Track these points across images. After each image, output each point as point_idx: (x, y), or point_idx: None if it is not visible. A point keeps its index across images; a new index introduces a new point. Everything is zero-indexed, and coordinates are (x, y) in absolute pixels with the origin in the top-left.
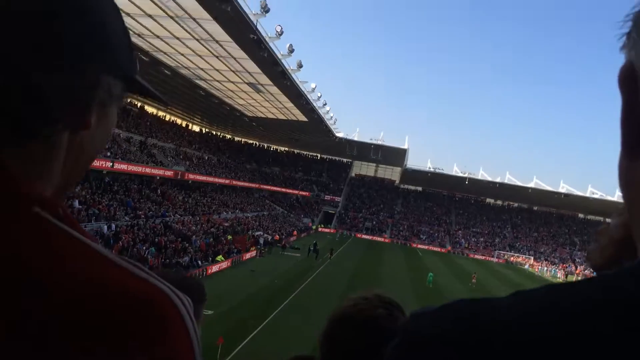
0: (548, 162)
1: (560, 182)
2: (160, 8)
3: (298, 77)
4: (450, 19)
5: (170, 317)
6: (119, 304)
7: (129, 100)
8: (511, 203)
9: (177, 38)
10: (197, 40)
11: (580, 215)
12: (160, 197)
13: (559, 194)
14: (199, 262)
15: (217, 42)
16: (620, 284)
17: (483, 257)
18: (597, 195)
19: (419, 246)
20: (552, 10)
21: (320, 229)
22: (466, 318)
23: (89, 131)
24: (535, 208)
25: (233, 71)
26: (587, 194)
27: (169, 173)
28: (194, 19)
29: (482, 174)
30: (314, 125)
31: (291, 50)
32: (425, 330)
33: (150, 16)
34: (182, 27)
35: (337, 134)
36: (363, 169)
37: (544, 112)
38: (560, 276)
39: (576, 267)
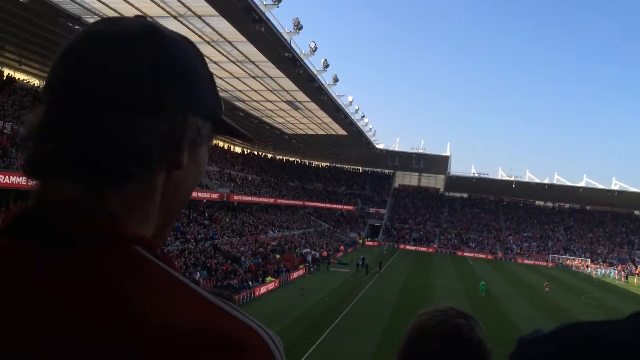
0: (598, 160)
1: (612, 180)
2: (197, 34)
3: (334, 91)
4: (487, 27)
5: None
6: (217, 348)
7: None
8: (562, 204)
9: (215, 62)
10: (234, 62)
11: (637, 212)
12: (207, 219)
13: (612, 191)
14: (249, 282)
15: (253, 62)
16: None
17: (534, 262)
18: None
19: (468, 254)
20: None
21: (366, 243)
22: (583, 346)
23: (182, 171)
24: (588, 208)
25: (270, 90)
26: None
27: (214, 195)
28: (230, 42)
29: (530, 176)
30: (354, 138)
31: (326, 66)
32: None
33: None
34: (219, 50)
35: (377, 146)
36: (406, 179)
37: (588, 110)
38: (617, 277)
39: (636, 267)
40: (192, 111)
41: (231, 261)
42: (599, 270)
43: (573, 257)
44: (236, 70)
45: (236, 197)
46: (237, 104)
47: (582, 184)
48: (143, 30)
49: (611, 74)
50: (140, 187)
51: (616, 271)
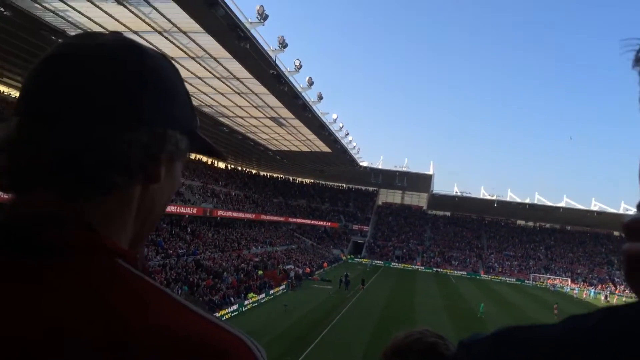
0: (577, 180)
1: (592, 200)
2: (182, 50)
3: (319, 108)
4: (471, 47)
5: None
6: (202, 354)
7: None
8: (543, 224)
9: (199, 78)
10: (219, 78)
11: (616, 233)
12: (190, 235)
13: (592, 212)
14: (231, 299)
15: (237, 79)
16: None
17: (513, 280)
18: (632, 211)
19: (450, 271)
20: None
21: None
22: (519, 344)
23: (159, 185)
24: (568, 228)
25: (255, 107)
26: (621, 211)
27: (197, 211)
28: (215, 59)
29: (511, 196)
30: (338, 156)
31: (311, 83)
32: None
33: (172, 58)
34: (204, 66)
35: (361, 163)
36: (389, 196)
37: (567, 128)
38: (603, 299)
39: (615, 287)
40: (170, 125)
41: (213, 277)
42: (591, 291)
43: (554, 277)
44: (221, 86)
45: (219, 213)
46: (222, 119)
47: (562, 204)
48: (122, 45)
49: (589, 98)
50: (118, 199)
51: (603, 294)
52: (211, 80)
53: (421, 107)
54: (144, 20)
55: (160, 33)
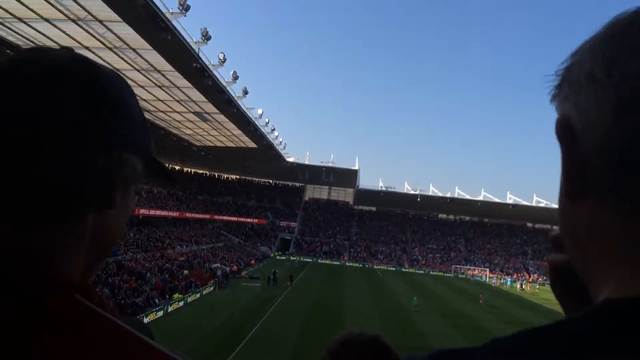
0: (494, 175)
1: (507, 194)
2: (98, 40)
3: (244, 103)
4: (394, 42)
5: None
6: None
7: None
8: (463, 217)
9: (117, 69)
10: (139, 70)
11: (529, 225)
12: None
13: (507, 204)
14: (156, 300)
15: (159, 71)
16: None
17: (436, 272)
18: (543, 203)
19: (377, 265)
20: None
21: (277, 257)
22: None
23: (113, 211)
24: (486, 220)
25: (178, 101)
26: (533, 203)
27: None
28: (134, 50)
29: (433, 190)
30: (264, 151)
31: (235, 77)
32: None
33: (87, 48)
34: (122, 57)
35: (288, 159)
36: (316, 192)
37: (483, 125)
38: (519, 287)
39: (529, 276)
40: (127, 148)
41: (136, 278)
42: (507, 280)
43: (474, 267)
44: (141, 79)
45: (141, 211)
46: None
47: (480, 197)
48: (76, 62)
49: (509, 95)
50: (72, 227)
51: (519, 282)
52: (130, 72)
53: (347, 102)
54: (55, 7)
55: (74, 21)
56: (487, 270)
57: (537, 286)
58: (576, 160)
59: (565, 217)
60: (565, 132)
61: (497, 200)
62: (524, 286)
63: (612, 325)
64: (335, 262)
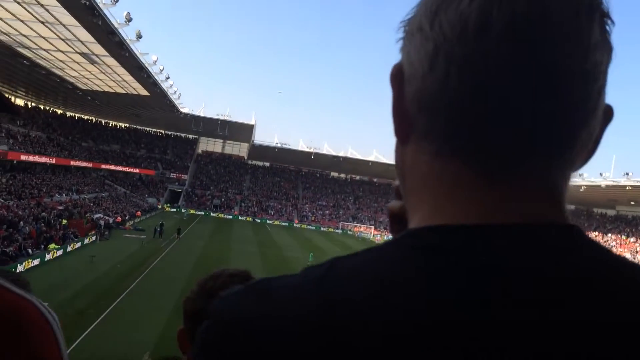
0: (386, 136)
1: None
2: None
3: (138, 48)
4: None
5: (41, 324)
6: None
7: None
8: (354, 176)
9: None
10: (18, 2)
11: None
12: None
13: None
14: (29, 250)
15: (41, 5)
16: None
17: (325, 229)
18: None
19: (269, 221)
20: None
21: (166, 209)
22: (266, 298)
23: None
24: (375, 180)
25: (62, 39)
26: None
27: None
28: None
29: (327, 149)
30: (157, 100)
31: (129, 19)
32: (229, 314)
33: None
34: None
35: (182, 109)
36: (210, 145)
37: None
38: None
39: None
40: None
41: (7, 227)
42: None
43: (360, 225)
44: (20, 12)
45: (16, 156)
46: (21, 50)
47: (371, 158)
48: None
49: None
50: None
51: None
52: (9, 4)
53: (247, 57)
54: None
55: None
56: (373, 227)
57: None
58: (402, 106)
59: (397, 159)
60: (395, 79)
61: (387, 161)
62: None
63: (397, 250)
64: (227, 216)
